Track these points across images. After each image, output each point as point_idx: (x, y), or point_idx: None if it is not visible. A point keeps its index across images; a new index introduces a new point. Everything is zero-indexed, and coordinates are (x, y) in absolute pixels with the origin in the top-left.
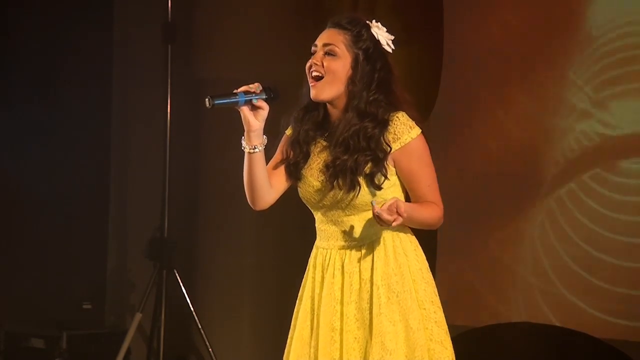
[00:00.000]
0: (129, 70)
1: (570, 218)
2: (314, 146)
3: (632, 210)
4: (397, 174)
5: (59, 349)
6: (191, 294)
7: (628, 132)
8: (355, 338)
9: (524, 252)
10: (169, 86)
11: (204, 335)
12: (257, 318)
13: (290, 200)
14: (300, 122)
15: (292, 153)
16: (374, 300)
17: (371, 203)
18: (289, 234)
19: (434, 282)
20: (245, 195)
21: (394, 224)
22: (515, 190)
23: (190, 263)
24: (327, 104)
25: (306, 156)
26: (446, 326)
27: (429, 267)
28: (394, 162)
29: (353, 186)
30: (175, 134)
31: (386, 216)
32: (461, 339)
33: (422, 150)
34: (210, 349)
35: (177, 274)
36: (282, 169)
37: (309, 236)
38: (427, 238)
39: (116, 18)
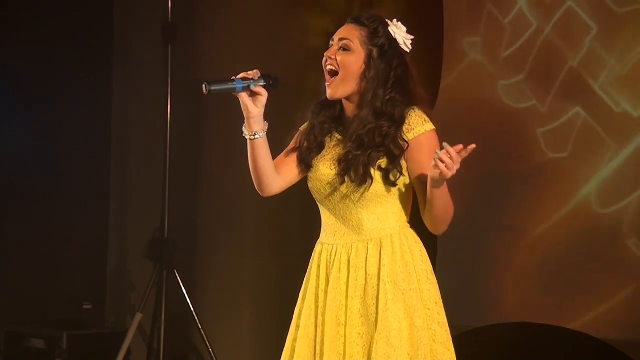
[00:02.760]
0: (129, 70)
1: (571, 217)
2: (328, 139)
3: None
4: (407, 167)
5: (59, 349)
6: (191, 294)
7: None
8: (359, 333)
9: (524, 251)
10: (169, 86)
11: (204, 335)
12: (257, 318)
13: (290, 200)
14: (317, 116)
15: (306, 142)
16: (380, 296)
17: (436, 152)
18: (289, 234)
19: (437, 284)
20: (245, 195)
21: (449, 171)
22: (516, 189)
23: (190, 263)
24: (343, 99)
25: (320, 146)
26: (448, 328)
27: (432, 269)
28: (405, 153)
29: (364, 179)
30: (175, 134)
31: (446, 158)
32: (461, 339)
33: (433, 145)
34: (210, 349)
35: (177, 274)
36: (293, 158)
37: (309, 236)
38: (428, 237)
39: (116, 18)
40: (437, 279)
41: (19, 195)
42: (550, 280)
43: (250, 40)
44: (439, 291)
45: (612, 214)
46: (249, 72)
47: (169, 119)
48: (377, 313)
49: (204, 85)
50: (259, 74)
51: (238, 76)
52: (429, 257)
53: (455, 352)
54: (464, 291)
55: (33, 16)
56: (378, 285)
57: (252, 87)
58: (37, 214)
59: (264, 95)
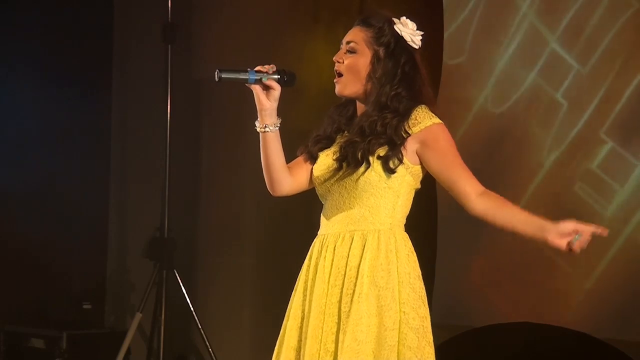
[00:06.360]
0: (129, 70)
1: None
2: (339, 137)
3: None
4: (422, 163)
5: (59, 349)
6: (191, 294)
7: None
8: (335, 322)
9: (524, 251)
10: (169, 86)
11: (204, 335)
12: (257, 318)
13: (290, 199)
14: (332, 118)
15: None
16: (357, 289)
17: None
18: (289, 234)
19: (423, 292)
20: (245, 195)
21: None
22: (516, 188)
23: (190, 263)
24: (356, 100)
25: (329, 139)
26: (430, 337)
27: (420, 276)
28: (418, 147)
29: (361, 162)
30: (175, 134)
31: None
32: (461, 339)
33: (447, 135)
34: (210, 349)
35: (177, 274)
36: (308, 163)
37: (309, 236)
38: (428, 238)
39: (116, 18)
40: (437, 279)
41: (18, 194)
42: (551, 280)
43: (251, 40)
44: (424, 299)
45: None
46: (265, 66)
47: (169, 119)
48: (351, 304)
49: (216, 72)
50: (275, 69)
51: (254, 69)
52: (429, 257)
53: (454, 352)
54: (464, 291)
55: (32, 16)
56: (356, 277)
57: (264, 80)
58: (37, 213)
59: (277, 89)
